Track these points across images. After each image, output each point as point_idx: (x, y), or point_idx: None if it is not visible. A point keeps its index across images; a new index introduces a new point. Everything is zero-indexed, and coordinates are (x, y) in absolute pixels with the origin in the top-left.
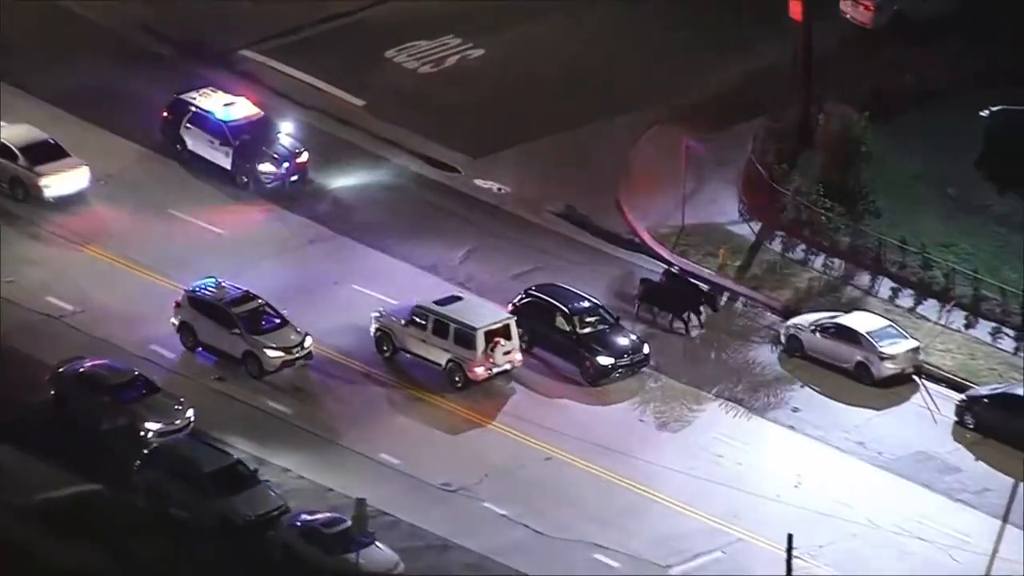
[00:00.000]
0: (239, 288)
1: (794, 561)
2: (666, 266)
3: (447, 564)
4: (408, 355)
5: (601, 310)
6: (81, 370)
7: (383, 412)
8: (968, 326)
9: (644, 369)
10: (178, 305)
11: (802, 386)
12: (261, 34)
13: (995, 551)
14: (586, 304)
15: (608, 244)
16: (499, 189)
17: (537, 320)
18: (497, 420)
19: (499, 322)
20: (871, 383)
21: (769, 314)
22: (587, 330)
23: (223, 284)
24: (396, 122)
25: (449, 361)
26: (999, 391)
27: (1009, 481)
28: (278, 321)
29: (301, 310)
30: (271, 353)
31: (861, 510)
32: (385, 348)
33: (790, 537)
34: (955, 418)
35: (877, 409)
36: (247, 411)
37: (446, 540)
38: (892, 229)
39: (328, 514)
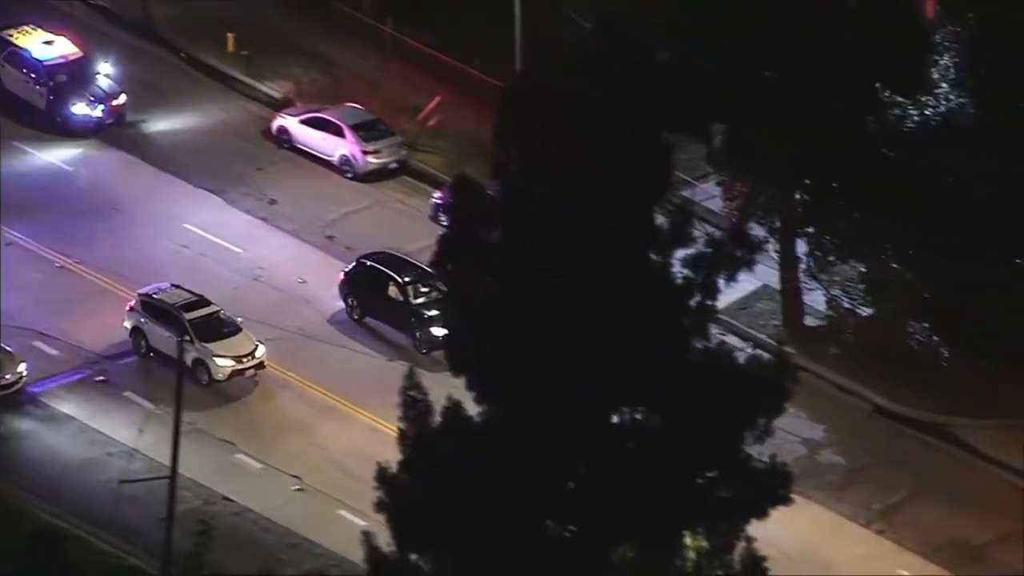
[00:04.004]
0: (193, 294)
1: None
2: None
3: None
4: None
5: (436, 280)
6: None
7: None
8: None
9: None
10: (131, 309)
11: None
12: None
13: None
14: (420, 273)
15: (115, 27)
16: None
17: (369, 289)
18: None
19: None
20: (353, 177)
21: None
22: (420, 300)
23: (178, 289)
24: None
25: None
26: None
27: None
28: (231, 328)
29: None
30: (220, 362)
31: (321, 302)
32: None
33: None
34: (431, 214)
35: (355, 205)
36: None
37: None
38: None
39: None
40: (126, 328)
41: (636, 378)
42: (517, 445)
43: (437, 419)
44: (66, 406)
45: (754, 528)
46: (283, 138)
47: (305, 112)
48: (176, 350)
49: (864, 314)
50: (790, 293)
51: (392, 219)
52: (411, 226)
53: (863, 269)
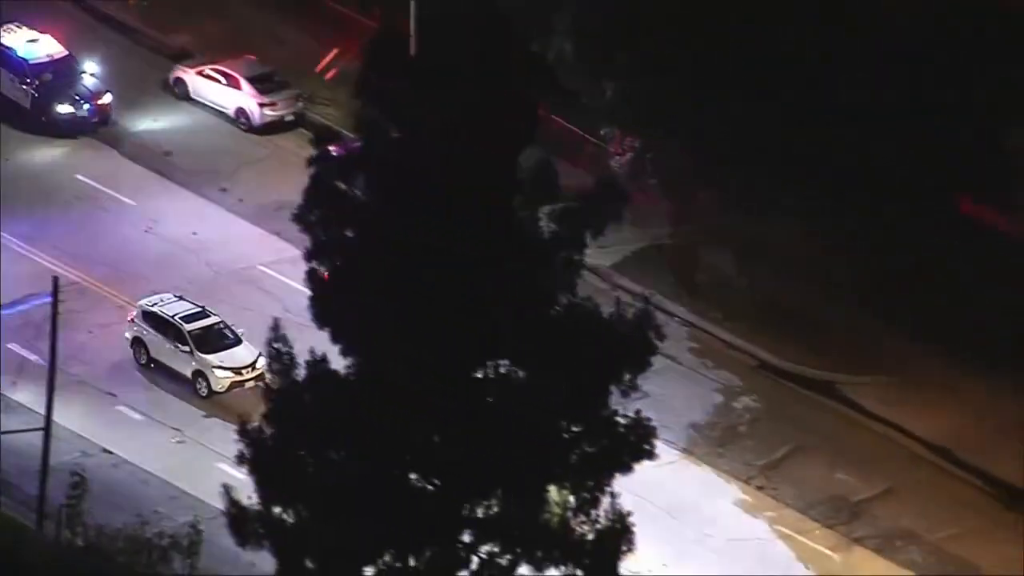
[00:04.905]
0: (195, 304)
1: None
2: None
3: None
4: None
5: None
6: None
7: None
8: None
9: None
10: (132, 320)
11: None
12: None
13: None
14: None
15: None
16: None
17: None
18: None
19: None
20: (249, 129)
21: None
22: None
23: (180, 300)
24: None
25: None
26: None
27: None
28: (232, 340)
29: None
30: (220, 373)
31: (210, 254)
32: None
33: (54, 281)
34: None
35: (250, 157)
36: None
37: None
38: None
39: None
40: (127, 339)
41: (500, 332)
42: (381, 399)
43: (303, 372)
44: None
45: (633, 483)
46: (180, 89)
47: (202, 64)
48: (51, 315)
49: (751, 271)
50: (680, 249)
51: (287, 172)
52: (306, 179)
53: (752, 226)
